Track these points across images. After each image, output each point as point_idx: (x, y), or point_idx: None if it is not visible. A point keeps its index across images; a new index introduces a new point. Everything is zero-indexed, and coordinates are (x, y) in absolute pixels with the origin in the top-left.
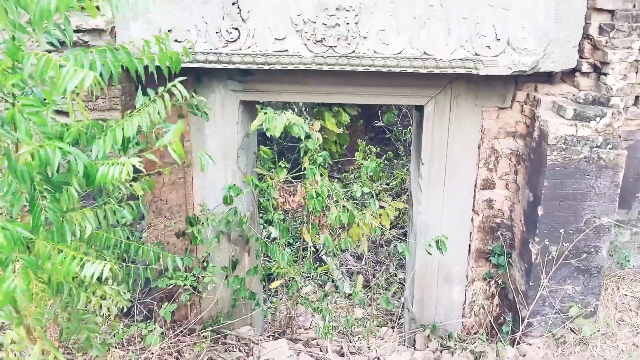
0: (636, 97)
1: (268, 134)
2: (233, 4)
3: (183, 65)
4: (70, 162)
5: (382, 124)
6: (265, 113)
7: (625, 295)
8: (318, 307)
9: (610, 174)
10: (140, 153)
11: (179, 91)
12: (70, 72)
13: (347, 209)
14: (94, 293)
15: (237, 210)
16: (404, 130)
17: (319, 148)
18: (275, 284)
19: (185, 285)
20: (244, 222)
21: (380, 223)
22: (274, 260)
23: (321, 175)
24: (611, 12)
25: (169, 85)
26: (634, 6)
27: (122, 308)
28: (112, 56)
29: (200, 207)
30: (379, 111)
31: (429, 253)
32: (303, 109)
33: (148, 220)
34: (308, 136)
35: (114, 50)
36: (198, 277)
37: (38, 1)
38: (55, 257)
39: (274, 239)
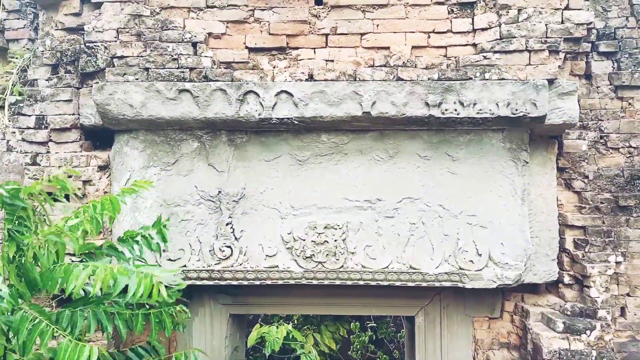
0: (622, 308)
1: (267, 352)
2: (227, 224)
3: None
4: None
5: (376, 328)
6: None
7: None
8: None
9: None
10: None
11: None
12: None
13: None
14: None
15: None
16: (398, 334)
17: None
18: None
19: None
20: None
21: None
22: None
23: None
24: (583, 228)
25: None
26: (603, 222)
27: None
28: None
29: None
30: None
31: None
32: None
33: None
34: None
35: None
36: None
37: None
38: None
39: None
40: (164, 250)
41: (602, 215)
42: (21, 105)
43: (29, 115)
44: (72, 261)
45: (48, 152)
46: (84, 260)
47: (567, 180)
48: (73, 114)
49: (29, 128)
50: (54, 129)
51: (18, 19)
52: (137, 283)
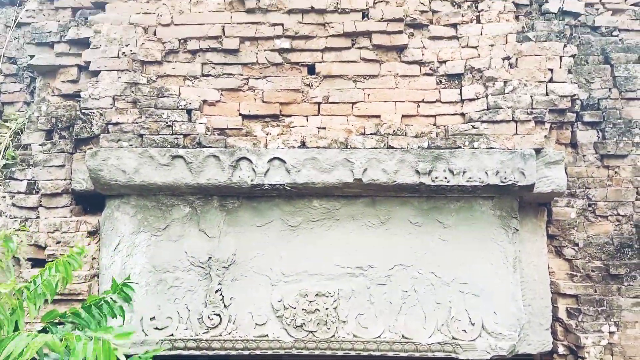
0: None
1: None
2: (217, 291)
3: (161, 353)
4: None
5: None
6: None
7: None
8: None
9: None
10: None
11: None
12: None
13: None
14: None
15: None
16: None
17: None
18: None
19: None
20: None
21: None
22: None
23: None
24: (575, 296)
25: None
26: (595, 291)
27: None
28: None
29: None
30: None
31: None
32: None
33: None
34: None
35: None
36: None
37: None
38: None
39: None
40: (152, 318)
41: (593, 284)
42: (13, 169)
43: (21, 180)
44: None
45: (38, 217)
46: (47, 328)
47: (557, 247)
48: (65, 179)
49: (19, 193)
50: (44, 194)
51: (14, 82)
52: (83, 349)
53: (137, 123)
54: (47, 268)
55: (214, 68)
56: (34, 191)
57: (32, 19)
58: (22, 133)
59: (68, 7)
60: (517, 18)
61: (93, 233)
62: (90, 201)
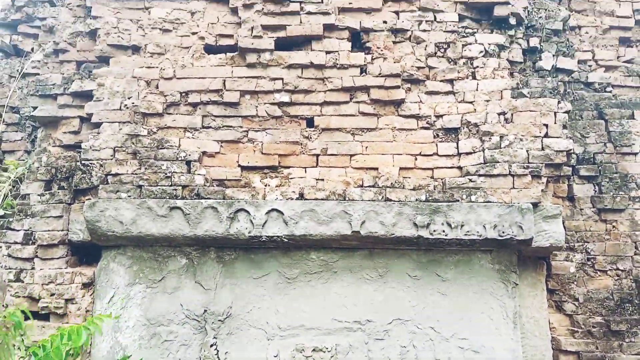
0: None
1: None
2: (212, 345)
3: None
4: None
5: None
6: None
7: None
8: None
9: None
10: None
11: None
12: None
13: None
14: None
15: None
16: None
17: None
18: None
19: None
20: None
21: None
22: None
23: None
24: (577, 353)
25: None
26: (597, 347)
27: None
28: None
29: None
30: None
31: None
32: None
33: None
34: None
35: None
36: None
37: None
38: None
39: None
40: None
41: (595, 340)
42: (10, 219)
43: (18, 230)
44: None
45: (33, 268)
46: None
47: (557, 302)
48: (62, 230)
49: (16, 243)
50: (41, 245)
51: (16, 131)
52: None
53: (136, 174)
54: (59, 335)
55: (214, 120)
56: (30, 242)
57: (36, 69)
58: (21, 182)
59: (73, 61)
60: (511, 75)
61: (88, 285)
62: (86, 252)
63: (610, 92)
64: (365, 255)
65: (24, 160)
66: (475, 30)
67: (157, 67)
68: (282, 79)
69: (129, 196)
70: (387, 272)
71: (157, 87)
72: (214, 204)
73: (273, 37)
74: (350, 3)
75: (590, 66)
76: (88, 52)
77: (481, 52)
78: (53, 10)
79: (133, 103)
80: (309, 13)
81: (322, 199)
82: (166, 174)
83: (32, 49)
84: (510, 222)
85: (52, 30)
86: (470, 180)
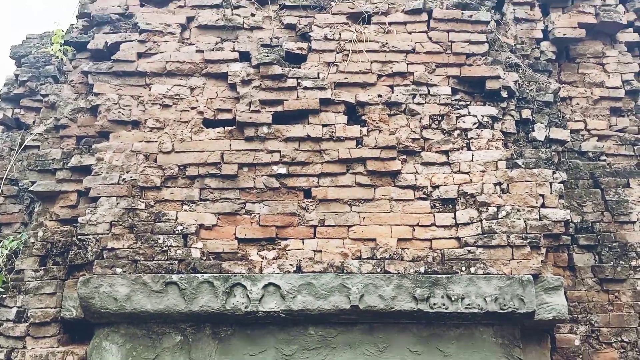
0: None
1: None
2: None
3: None
4: None
5: None
6: None
7: None
8: None
9: None
10: None
11: None
12: None
13: None
14: None
15: None
16: None
17: None
18: None
19: None
20: None
21: None
22: None
23: None
24: None
25: None
26: None
27: None
28: None
29: None
30: None
31: None
32: None
33: None
34: None
35: None
36: None
37: None
38: None
39: None
40: None
41: None
42: (4, 296)
43: (10, 307)
44: None
45: (24, 347)
46: None
47: None
48: (55, 307)
49: (8, 321)
50: (33, 323)
51: (14, 203)
52: None
53: (132, 249)
54: None
55: (211, 193)
56: (22, 320)
57: (37, 142)
58: (15, 257)
59: (73, 136)
60: (506, 145)
61: None
62: (79, 329)
63: (605, 160)
64: (365, 329)
65: (20, 232)
66: (469, 102)
67: (156, 141)
68: (279, 151)
69: (124, 271)
70: (388, 347)
71: (155, 160)
72: (210, 279)
73: (271, 111)
74: (345, 78)
75: (583, 135)
76: (89, 127)
77: (475, 123)
78: (56, 87)
79: (131, 177)
80: (306, 88)
81: (319, 272)
82: (162, 248)
83: (34, 122)
84: (512, 294)
85: (54, 106)
86: (469, 251)
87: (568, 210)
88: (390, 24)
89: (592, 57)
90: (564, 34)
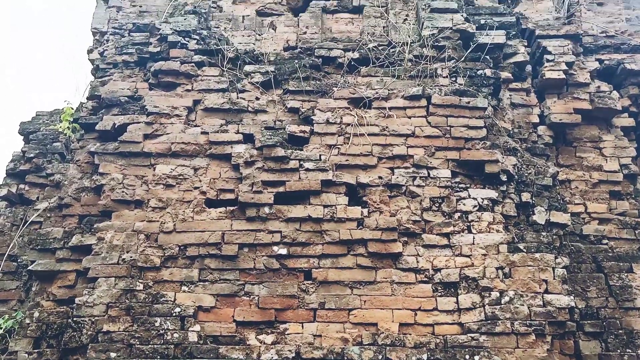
0: None
1: None
2: None
3: None
4: None
5: None
6: None
7: None
8: None
9: None
10: None
11: None
12: None
13: None
14: None
15: None
16: None
17: None
18: None
19: None
20: None
21: None
22: None
23: None
24: None
25: None
26: None
27: None
28: None
29: None
30: None
31: None
32: None
33: None
34: None
35: None
36: None
37: None
38: None
39: None
40: None
41: None
42: None
43: None
44: None
45: None
46: None
47: None
48: None
49: None
50: None
51: (12, 280)
52: None
53: (128, 332)
54: None
55: (211, 273)
56: None
57: (39, 218)
58: (9, 336)
59: (75, 215)
60: (506, 228)
61: None
62: None
63: (607, 244)
64: None
65: (16, 310)
66: (468, 185)
67: (158, 221)
68: (280, 231)
69: (119, 356)
70: None
71: (156, 240)
72: None
73: (273, 192)
74: (346, 160)
75: (583, 219)
76: (91, 206)
77: (475, 206)
78: (62, 166)
79: (131, 257)
80: (308, 170)
81: (319, 359)
82: (159, 331)
83: (37, 198)
84: None
85: (59, 185)
86: (472, 338)
87: (572, 296)
88: (390, 108)
89: (589, 141)
90: (560, 119)
